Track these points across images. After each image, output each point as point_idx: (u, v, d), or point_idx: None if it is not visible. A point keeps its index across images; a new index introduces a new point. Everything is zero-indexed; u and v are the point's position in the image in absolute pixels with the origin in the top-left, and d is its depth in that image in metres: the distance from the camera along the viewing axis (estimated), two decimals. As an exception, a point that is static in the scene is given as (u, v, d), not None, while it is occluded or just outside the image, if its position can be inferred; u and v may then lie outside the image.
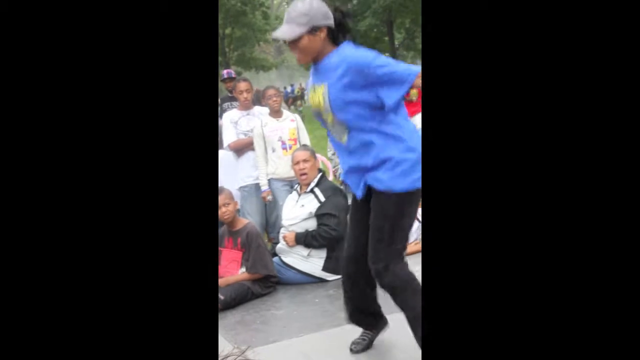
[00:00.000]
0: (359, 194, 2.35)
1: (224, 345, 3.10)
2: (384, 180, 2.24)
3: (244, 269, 3.69)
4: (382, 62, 2.22)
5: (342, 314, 3.05)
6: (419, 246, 3.98)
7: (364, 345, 2.60)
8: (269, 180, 4.46)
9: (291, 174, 4.19)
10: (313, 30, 2.22)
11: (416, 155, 2.24)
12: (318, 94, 2.30)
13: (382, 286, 2.32)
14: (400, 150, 2.24)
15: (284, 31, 2.24)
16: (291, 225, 3.85)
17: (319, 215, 3.78)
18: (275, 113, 4.57)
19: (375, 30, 20.68)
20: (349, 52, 2.24)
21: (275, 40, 2.57)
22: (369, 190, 2.32)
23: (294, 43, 2.24)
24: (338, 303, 3.34)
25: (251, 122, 4.64)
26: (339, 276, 3.69)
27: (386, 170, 2.24)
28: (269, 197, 4.43)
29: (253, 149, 4.55)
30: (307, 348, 2.79)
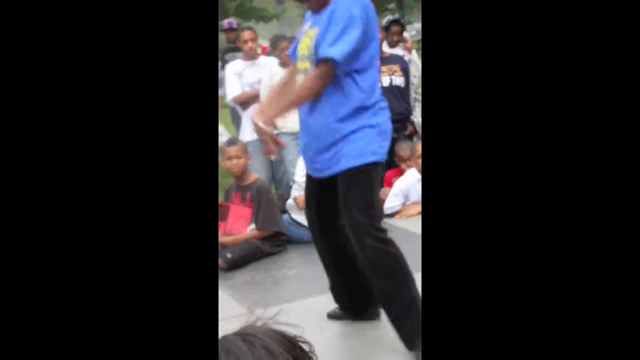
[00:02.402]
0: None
1: (234, 307, 3.10)
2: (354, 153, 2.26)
3: (252, 226, 3.66)
4: (341, 19, 2.15)
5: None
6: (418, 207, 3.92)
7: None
8: (277, 134, 4.38)
9: (300, 127, 4.13)
10: None
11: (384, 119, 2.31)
12: (309, 36, 2.28)
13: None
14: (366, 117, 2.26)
15: None
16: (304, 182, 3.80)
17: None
18: (286, 64, 4.47)
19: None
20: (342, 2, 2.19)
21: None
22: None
23: None
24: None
25: (257, 73, 4.54)
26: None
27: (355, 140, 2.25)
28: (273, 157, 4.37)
29: (259, 102, 4.46)
30: (322, 309, 2.77)
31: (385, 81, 4.36)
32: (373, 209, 2.30)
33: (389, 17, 5.08)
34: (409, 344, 2.27)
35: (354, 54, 2.15)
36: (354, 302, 2.60)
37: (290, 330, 0.81)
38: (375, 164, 2.28)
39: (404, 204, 4.11)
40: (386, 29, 4.92)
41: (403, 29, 5.13)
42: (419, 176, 4.08)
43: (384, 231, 2.32)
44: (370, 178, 2.28)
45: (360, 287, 2.53)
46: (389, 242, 2.31)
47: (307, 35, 2.29)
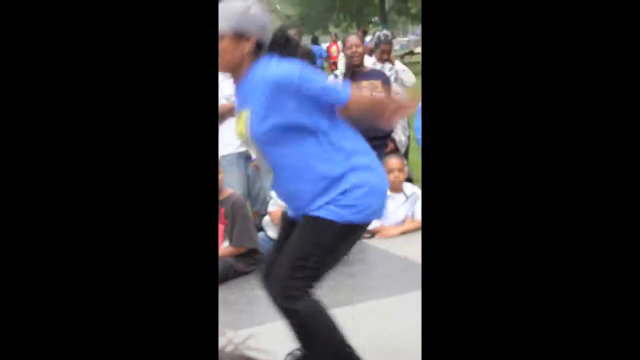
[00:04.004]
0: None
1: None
2: (329, 208, 2.04)
3: (226, 243, 3.62)
4: (309, 77, 1.97)
5: (333, 295, 3.02)
6: (414, 224, 3.95)
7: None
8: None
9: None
10: (237, 35, 1.98)
11: (373, 175, 2.09)
12: (242, 121, 2.08)
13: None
14: (353, 172, 2.05)
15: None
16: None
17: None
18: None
19: (364, -9, 20.47)
20: (269, 69, 1.99)
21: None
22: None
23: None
24: (328, 283, 3.30)
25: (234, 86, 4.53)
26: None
27: (333, 196, 2.04)
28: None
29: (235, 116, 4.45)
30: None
31: (367, 97, 4.38)
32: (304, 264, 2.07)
33: (379, 35, 5.14)
34: None
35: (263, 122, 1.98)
36: None
37: (261, 357, 0.79)
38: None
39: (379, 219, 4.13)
40: (375, 45, 4.99)
41: (392, 46, 5.21)
42: (388, 193, 4.10)
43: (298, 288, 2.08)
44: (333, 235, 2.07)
45: None
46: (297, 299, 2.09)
47: (240, 120, 2.10)
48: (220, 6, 1.96)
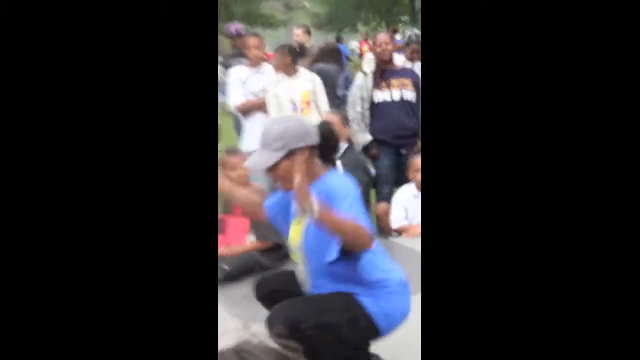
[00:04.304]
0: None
1: (229, 322, 3.08)
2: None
3: (252, 238, 3.64)
4: (349, 204, 1.95)
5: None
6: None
7: None
8: None
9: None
10: (291, 154, 2.03)
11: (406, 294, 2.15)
12: (298, 228, 2.14)
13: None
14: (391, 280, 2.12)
15: (258, 159, 2.08)
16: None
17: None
18: (289, 70, 4.45)
19: (394, -10, 20.43)
20: (329, 183, 2.05)
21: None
22: None
23: (272, 171, 2.08)
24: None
25: (261, 82, 4.54)
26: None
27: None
28: None
29: (263, 112, 4.45)
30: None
31: (396, 95, 4.36)
32: None
33: (409, 35, 5.15)
34: None
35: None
36: None
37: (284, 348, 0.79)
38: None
39: (406, 218, 4.10)
40: (406, 44, 5.01)
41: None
42: (415, 192, 4.08)
43: None
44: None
45: None
46: None
47: (298, 226, 2.14)
48: (263, 134, 2.09)
